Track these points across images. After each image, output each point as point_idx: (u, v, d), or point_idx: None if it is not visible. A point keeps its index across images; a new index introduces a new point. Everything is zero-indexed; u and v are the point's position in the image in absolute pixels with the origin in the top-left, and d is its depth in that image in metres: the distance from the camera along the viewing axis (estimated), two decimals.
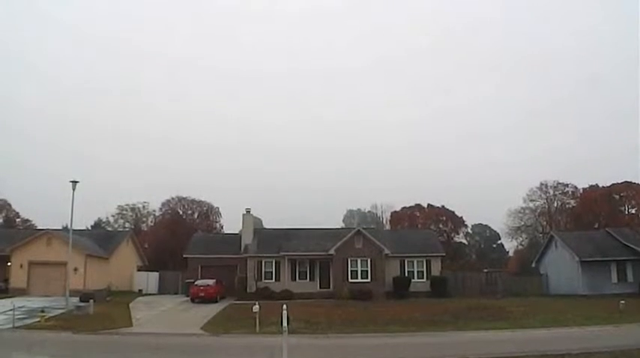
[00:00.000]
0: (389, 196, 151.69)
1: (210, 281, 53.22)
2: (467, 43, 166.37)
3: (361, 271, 54.87)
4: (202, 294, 51.26)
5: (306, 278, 56.95)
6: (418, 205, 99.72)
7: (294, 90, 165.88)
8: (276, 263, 57.32)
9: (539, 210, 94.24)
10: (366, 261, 55.07)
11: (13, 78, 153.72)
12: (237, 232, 66.57)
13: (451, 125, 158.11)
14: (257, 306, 35.09)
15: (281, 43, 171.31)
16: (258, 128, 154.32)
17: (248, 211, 61.72)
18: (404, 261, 57.68)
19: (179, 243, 74.03)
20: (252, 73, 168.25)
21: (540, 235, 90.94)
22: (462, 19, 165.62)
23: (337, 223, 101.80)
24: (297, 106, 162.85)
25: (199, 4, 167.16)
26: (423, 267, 57.62)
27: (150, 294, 60.20)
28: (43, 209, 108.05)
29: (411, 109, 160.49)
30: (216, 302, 50.55)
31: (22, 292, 53.24)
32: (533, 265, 67.21)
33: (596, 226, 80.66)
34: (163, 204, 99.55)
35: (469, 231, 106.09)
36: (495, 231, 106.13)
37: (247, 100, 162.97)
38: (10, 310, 38.25)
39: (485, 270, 64.18)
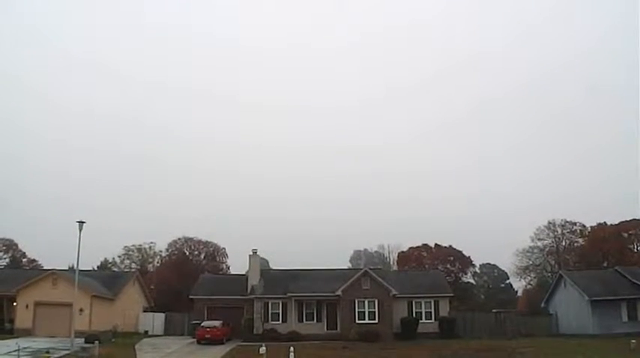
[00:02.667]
0: (396, 236, 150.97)
1: (217, 323, 52.85)
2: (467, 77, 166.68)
3: (368, 312, 54.39)
4: (209, 336, 50.88)
5: (313, 320, 56.48)
6: (425, 245, 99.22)
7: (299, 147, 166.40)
8: (282, 304, 56.91)
9: (547, 249, 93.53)
10: (374, 302, 54.61)
11: (21, 115, 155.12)
12: (243, 273, 66.30)
13: (456, 164, 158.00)
14: (264, 348, 34.89)
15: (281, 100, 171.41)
16: (266, 178, 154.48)
17: (254, 252, 61.51)
18: (411, 302, 57.13)
19: (185, 284, 73.67)
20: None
21: (549, 274, 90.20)
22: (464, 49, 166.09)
23: (344, 264, 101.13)
24: (306, 156, 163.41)
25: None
26: (431, 307, 57.04)
27: (156, 336, 59.75)
28: (49, 249, 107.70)
29: (416, 154, 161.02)
30: (223, 343, 50.18)
31: (27, 333, 52.97)
32: (543, 305, 66.54)
33: (605, 265, 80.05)
34: (170, 245, 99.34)
35: (477, 270, 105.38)
36: (503, 271, 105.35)
37: (254, 152, 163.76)
38: (15, 350, 38.13)
39: (494, 310, 63.45)
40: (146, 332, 61.96)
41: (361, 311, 54.46)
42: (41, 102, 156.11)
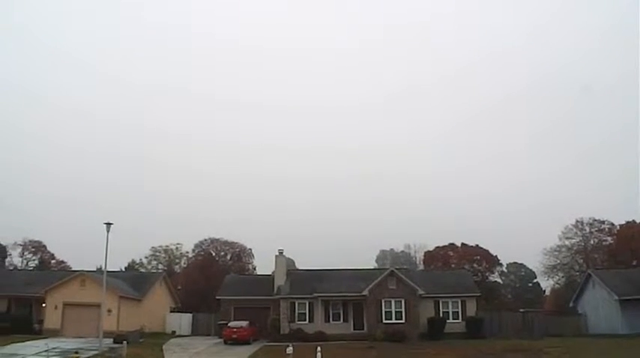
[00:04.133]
0: (422, 236, 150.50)
1: (244, 323, 53.01)
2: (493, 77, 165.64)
3: (395, 312, 54.20)
4: (235, 336, 51.03)
5: (340, 320, 56.39)
6: (452, 244, 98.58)
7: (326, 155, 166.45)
8: (309, 304, 56.87)
9: (575, 248, 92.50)
10: (400, 301, 54.42)
11: (49, 122, 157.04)
12: (269, 273, 66.40)
13: (479, 162, 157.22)
14: (290, 348, 34.88)
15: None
16: (291, 179, 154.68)
17: (281, 252, 61.56)
18: (438, 302, 56.87)
19: (212, 285, 73.95)
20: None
21: (577, 273, 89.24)
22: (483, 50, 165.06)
23: (370, 264, 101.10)
24: (331, 156, 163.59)
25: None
26: (457, 307, 56.71)
27: (183, 336, 60.02)
28: (77, 251, 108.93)
29: (438, 153, 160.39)
30: (250, 344, 50.29)
31: (55, 333, 53.50)
32: (571, 304, 65.90)
33: (634, 263, 79.08)
34: (196, 246, 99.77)
35: (504, 270, 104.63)
36: (531, 270, 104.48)
37: (279, 154, 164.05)
38: (45, 351, 38.55)
39: (522, 310, 62.97)
40: (173, 332, 62.31)
41: (388, 311, 54.29)
42: (64, 111, 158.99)
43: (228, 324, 53.66)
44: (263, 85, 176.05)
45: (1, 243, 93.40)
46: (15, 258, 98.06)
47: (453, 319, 55.94)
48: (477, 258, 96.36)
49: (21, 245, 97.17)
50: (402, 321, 53.58)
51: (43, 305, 57.05)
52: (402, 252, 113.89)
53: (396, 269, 59.88)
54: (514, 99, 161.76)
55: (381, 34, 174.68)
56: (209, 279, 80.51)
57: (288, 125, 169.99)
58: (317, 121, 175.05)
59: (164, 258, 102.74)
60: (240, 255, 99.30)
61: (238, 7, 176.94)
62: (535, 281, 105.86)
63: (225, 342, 50.93)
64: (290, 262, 63.53)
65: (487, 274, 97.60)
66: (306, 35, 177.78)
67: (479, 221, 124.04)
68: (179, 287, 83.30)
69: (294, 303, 57.14)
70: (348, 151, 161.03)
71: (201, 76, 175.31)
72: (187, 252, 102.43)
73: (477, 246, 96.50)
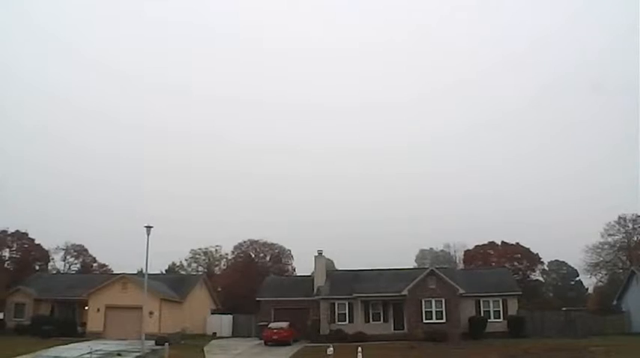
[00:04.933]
0: (461, 234, 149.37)
1: (284, 324, 53.14)
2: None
3: (436, 312, 53.84)
4: (276, 337, 51.20)
5: (380, 320, 56.20)
6: (492, 243, 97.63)
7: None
8: (349, 304, 56.79)
9: (618, 245, 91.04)
10: (441, 301, 54.05)
11: (87, 128, 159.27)
12: (309, 274, 66.51)
13: (524, 164, 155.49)
14: (331, 349, 34.86)
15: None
16: (328, 179, 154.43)
17: (320, 253, 61.62)
18: (479, 301, 56.32)
19: (251, 286, 74.19)
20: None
21: (620, 271, 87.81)
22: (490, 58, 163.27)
23: (409, 263, 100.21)
24: (369, 155, 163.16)
25: None
26: (499, 306, 56.09)
27: (223, 337, 60.35)
28: (118, 254, 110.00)
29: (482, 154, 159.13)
30: (290, 345, 50.41)
31: (98, 335, 54.13)
32: (615, 302, 64.84)
33: None
34: (236, 248, 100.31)
35: (545, 268, 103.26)
36: (573, 268, 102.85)
37: (320, 155, 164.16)
38: (88, 353, 39.11)
39: (564, 309, 62.14)
40: (214, 333, 62.67)
41: (428, 311, 53.96)
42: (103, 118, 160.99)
43: (269, 325, 53.87)
44: (309, 86, 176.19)
45: (44, 247, 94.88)
46: (58, 262, 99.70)
47: (495, 318, 55.37)
48: (517, 256, 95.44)
49: (63, 249, 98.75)
50: (443, 321, 53.21)
51: (86, 308, 57.81)
52: (442, 251, 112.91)
53: (436, 268, 59.54)
54: (547, 89, 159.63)
55: (404, 35, 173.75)
56: (249, 281, 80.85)
57: (322, 125, 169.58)
58: (349, 121, 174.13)
59: (204, 260, 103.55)
60: (279, 256, 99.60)
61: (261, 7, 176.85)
62: (577, 279, 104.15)
63: (266, 343, 51.13)
64: (329, 263, 63.52)
65: (528, 273, 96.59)
66: (330, 35, 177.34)
67: (518, 219, 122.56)
68: (219, 289, 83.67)
69: (334, 304, 57.14)
70: (382, 150, 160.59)
71: (249, 83, 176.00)
72: (227, 254, 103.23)
73: (518, 244, 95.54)
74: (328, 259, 63.13)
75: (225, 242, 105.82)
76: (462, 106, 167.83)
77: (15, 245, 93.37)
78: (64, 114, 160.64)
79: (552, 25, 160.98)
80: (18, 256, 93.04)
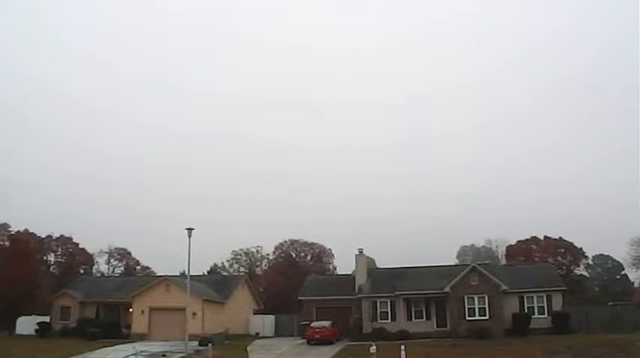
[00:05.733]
0: (503, 230, 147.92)
1: (326, 323, 53.11)
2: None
3: (478, 308, 53.31)
4: (318, 336, 51.18)
5: (422, 318, 55.81)
6: (534, 238, 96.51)
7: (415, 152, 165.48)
8: (391, 303, 56.53)
9: None
10: (483, 298, 53.54)
11: (127, 135, 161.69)
12: (350, 273, 66.37)
13: (565, 156, 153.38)
14: (374, 347, 34.80)
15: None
16: (367, 177, 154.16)
17: (361, 252, 61.46)
18: (523, 297, 55.58)
19: (293, 286, 74.43)
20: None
21: None
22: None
23: (450, 260, 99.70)
24: (405, 151, 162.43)
25: None
26: (543, 302, 55.29)
27: (266, 337, 60.59)
28: (161, 256, 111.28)
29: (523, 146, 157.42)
30: (333, 343, 50.34)
31: (142, 337, 54.88)
32: None
33: None
34: (276, 248, 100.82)
35: (590, 262, 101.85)
36: (618, 262, 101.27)
37: (353, 153, 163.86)
38: (133, 354, 39.63)
39: (610, 303, 61.23)
40: (257, 333, 62.97)
41: (471, 308, 53.50)
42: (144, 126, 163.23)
43: (311, 325, 53.86)
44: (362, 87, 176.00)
45: (88, 251, 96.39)
46: (102, 266, 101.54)
47: (539, 314, 54.59)
48: (560, 250, 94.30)
49: (107, 252, 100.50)
50: (486, 318, 52.70)
51: (130, 310, 58.62)
52: (483, 247, 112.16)
53: (478, 264, 59.07)
54: (581, 73, 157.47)
55: (406, 34, 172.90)
56: (290, 280, 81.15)
57: (357, 123, 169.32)
58: (383, 118, 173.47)
59: (245, 260, 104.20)
60: (320, 256, 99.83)
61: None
62: (623, 273, 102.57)
63: (309, 342, 51.14)
64: (370, 261, 63.33)
65: (572, 267, 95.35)
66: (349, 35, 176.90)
67: (561, 213, 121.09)
68: (261, 289, 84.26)
69: (376, 302, 56.95)
70: (419, 143, 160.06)
71: (296, 84, 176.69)
72: (268, 254, 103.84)
73: (561, 238, 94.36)
74: (369, 257, 62.92)
75: (266, 242, 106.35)
76: (500, 95, 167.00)
77: (60, 249, 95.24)
78: (108, 128, 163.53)
79: (554, 26, 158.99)
80: (63, 260, 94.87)
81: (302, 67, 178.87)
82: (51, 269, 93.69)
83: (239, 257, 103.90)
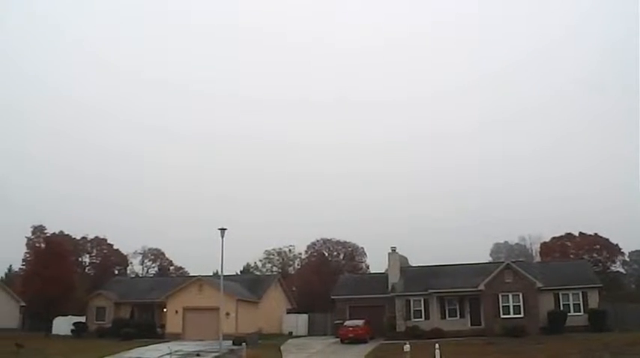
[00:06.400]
0: (537, 227, 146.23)
1: (360, 322, 53.00)
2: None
3: (513, 306, 52.78)
4: (352, 335, 51.08)
5: (456, 316, 55.47)
6: (569, 234, 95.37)
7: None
8: (424, 301, 56.23)
9: None
10: (518, 295, 53.00)
11: (156, 141, 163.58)
12: (383, 271, 66.19)
13: (596, 148, 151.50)
14: (408, 346, 34.63)
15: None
16: (397, 174, 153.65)
17: (393, 250, 61.25)
18: (558, 294, 54.84)
19: (326, 285, 74.41)
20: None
21: None
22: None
23: (484, 258, 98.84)
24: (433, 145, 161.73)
25: None
26: (579, 299, 54.50)
27: (300, 336, 60.66)
28: (194, 257, 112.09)
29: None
30: (366, 342, 50.23)
31: (177, 337, 55.33)
32: None
33: None
34: (309, 247, 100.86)
35: (626, 258, 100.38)
36: None
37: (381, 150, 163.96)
38: (168, 354, 39.90)
39: None
40: (290, 333, 63.07)
41: (505, 306, 53.01)
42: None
43: (344, 323, 53.79)
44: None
45: (122, 252, 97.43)
46: (136, 266, 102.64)
47: (575, 312, 53.84)
48: (596, 247, 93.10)
49: (141, 253, 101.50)
50: (521, 315, 52.19)
51: (164, 310, 59.12)
52: (517, 244, 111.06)
53: (512, 262, 58.56)
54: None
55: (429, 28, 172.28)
56: (323, 279, 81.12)
57: (382, 118, 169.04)
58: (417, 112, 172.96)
59: (278, 260, 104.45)
60: (352, 254, 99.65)
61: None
62: None
63: (342, 341, 51.04)
64: (403, 259, 63.04)
65: (608, 264, 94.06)
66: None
67: (595, 208, 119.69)
68: (294, 289, 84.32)
69: (409, 301, 56.70)
70: (451, 135, 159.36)
71: (319, 88, 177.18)
72: (300, 254, 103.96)
73: (596, 234, 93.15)
74: (401, 255, 62.65)
75: (299, 242, 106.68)
76: (523, 87, 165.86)
77: (95, 251, 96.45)
78: (150, 136, 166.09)
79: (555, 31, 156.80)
80: (98, 261, 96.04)
81: (348, 68, 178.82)
82: (86, 270, 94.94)
83: (271, 256, 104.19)
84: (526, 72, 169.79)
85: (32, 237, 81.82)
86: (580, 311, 53.73)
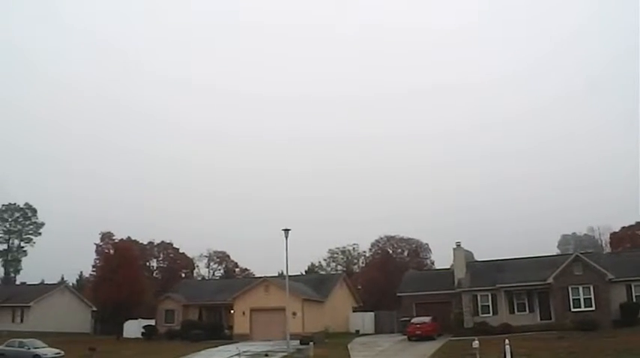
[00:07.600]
0: (606, 217, 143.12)
1: (427, 319, 52.58)
2: None
3: (584, 299, 51.45)
4: (419, 332, 50.71)
5: (525, 310, 54.51)
6: None
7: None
8: (492, 296, 55.48)
9: None
10: (588, 288, 51.70)
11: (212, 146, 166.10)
12: (448, 267, 65.61)
13: None
14: (477, 342, 34.18)
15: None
16: (460, 168, 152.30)
17: (458, 245, 60.59)
18: (630, 286, 53.11)
19: (391, 282, 74.15)
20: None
21: None
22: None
23: (551, 250, 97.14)
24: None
25: None
26: None
27: (366, 334, 60.55)
28: (258, 258, 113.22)
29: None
30: (434, 339, 49.80)
31: (244, 337, 55.83)
32: None
33: None
34: (373, 245, 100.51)
35: None
36: None
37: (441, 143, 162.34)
38: (237, 355, 40.34)
39: None
40: (357, 331, 62.96)
41: (575, 299, 51.79)
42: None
43: (411, 320, 53.41)
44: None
45: (188, 255, 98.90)
46: (202, 269, 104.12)
47: None
48: None
49: (206, 256, 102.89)
50: (592, 308, 50.92)
51: (232, 311, 59.82)
52: (585, 235, 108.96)
53: (581, 253, 57.27)
54: None
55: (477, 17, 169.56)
56: (388, 277, 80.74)
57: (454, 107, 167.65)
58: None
59: (342, 258, 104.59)
60: (417, 251, 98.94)
61: None
62: None
63: (409, 339, 50.72)
64: (468, 254, 62.32)
65: None
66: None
67: None
68: (359, 287, 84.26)
69: (476, 296, 56.05)
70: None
71: (366, 83, 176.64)
72: (364, 252, 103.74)
73: None
74: (467, 250, 61.94)
75: (362, 240, 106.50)
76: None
77: (161, 255, 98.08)
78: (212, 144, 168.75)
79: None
80: (165, 265, 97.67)
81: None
82: (154, 274, 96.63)
83: (336, 255, 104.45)
84: None
85: (101, 243, 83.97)
86: None
